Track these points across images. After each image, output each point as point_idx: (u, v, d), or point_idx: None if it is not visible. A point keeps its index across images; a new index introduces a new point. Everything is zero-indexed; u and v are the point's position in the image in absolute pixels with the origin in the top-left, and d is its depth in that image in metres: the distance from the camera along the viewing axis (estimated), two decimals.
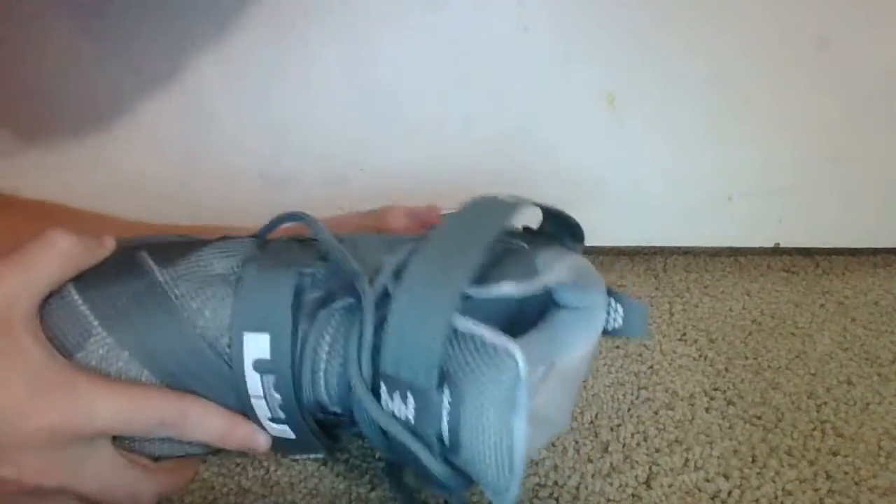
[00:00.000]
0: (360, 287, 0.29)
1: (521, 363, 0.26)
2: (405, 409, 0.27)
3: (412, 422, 0.27)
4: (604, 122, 0.50)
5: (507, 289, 0.28)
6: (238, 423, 0.30)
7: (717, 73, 0.49)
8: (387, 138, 0.51)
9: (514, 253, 0.30)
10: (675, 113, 0.50)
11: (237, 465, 0.36)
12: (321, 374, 0.30)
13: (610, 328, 0.33)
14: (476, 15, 0.47)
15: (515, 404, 0.26)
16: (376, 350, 0.27)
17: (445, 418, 0.26)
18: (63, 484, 0.28)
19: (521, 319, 0.29)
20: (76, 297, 0.29)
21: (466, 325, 0.26)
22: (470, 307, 0.27)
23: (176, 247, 0.32)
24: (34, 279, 0.27)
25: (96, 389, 0.27)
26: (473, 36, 0.48)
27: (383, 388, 0.27)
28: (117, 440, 0.30)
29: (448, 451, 0.27)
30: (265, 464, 0.36)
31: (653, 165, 0.52)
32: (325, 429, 0.32)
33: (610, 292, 0.33)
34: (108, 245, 0.31)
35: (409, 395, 0.27)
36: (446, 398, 0.26)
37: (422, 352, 0.26)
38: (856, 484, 0.35)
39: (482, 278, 0.28)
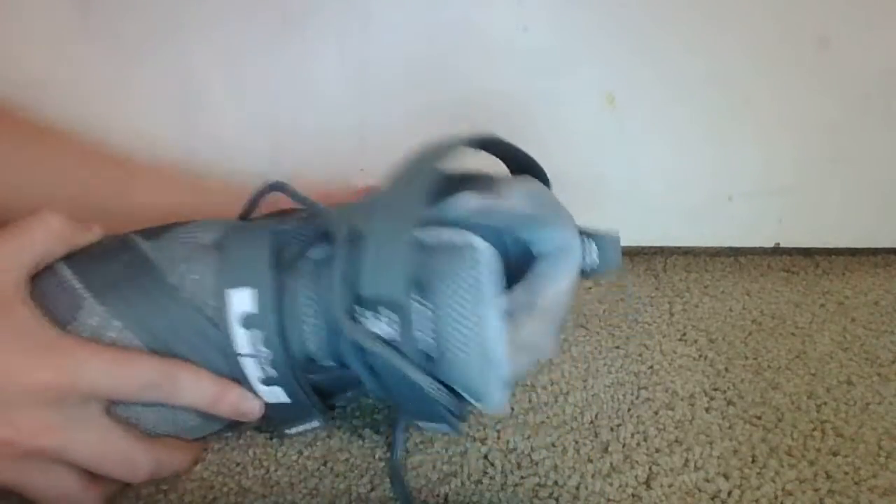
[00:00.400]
0: (334, 227, 0.30)
1: (484, 252, 0.27)
2: (388, 328, 0.27)
3: (397, 339, 0.27)
4: (604, 122, 0.50)
5: (469, 202, 0.30)
6: (229, 388, 0.31)
7: (717, 73, 0.49)
8: (386, 138, 0.51)
9: (476, 178, 0.32)
10: (675, 113, 0.50)
11: (237, 464, 0.36)
12: (306, 322, 0.30)
13: (588, 268, 0.33)
14: (476, 15, 0.47)
15: (483, 294, 0.26)
16: (354, 282, 0.28)
17: (428, 328, 0.27)
18: (58, 445, 0.28)
19: (510, 278, 0.30)
20: (66, 271, 0.30)
21: (430, 233, 0.28)
22: None
23: (163, 226, 0.33)
24: (24, 252, 0.29)
25: (86, 350, 0.28)
26: (473, 36, 0.48)
27: (366, 314, 0.28)
28: (112, 409, 0.30)
29: (434, 365, 0.28)
30: (265, 464, 0.36)
31: (653, 165, 0.52)
32: (320, 395, 0.32)
33: (582, 231, 0.33)
34: (96, 231, 0.32)
35: (389, 312, 0.27)
36: (426, 308, 0.27)
37: (393, 264, 0.27)
38: (856, 484, 0.35)
39: (446, 198, 0.30)
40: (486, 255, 0.27)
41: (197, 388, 0.30)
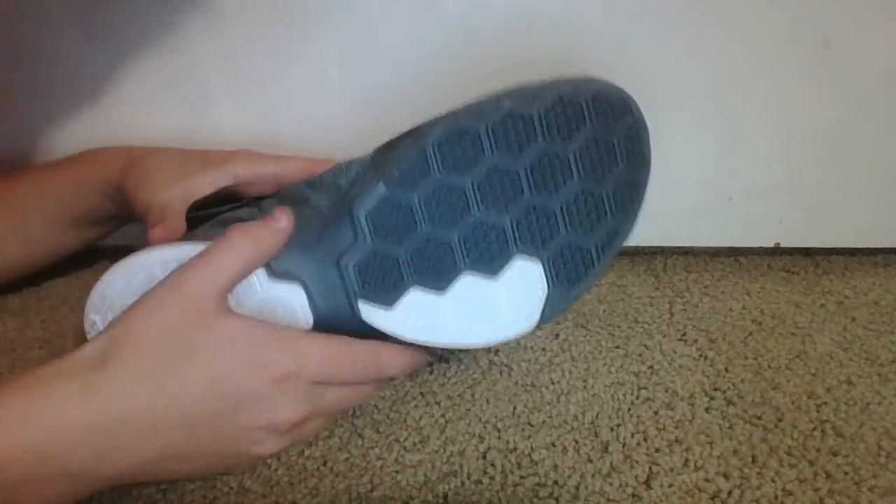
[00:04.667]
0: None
1: None
2: None
3: None
4: None
5: None
6: (417, 353, 0.36)
7: (716, 72, 0.49)
8: (386, 138, 0.51)
9: None
10: (674, 113, 0.50)
11: None
12: None
13: None
14: (476, 15, 0.47)
15: None
16: None
17: None
18: (308, 413, 0.33)
19: None
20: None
21: None
22: None
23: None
24: (214, 275, 0.32)
25: (305, 341, 0.32)
26: (473, 36, 0.48)
27: None
28: None
29: None
30: (265, 463, 0.36)
31: (652, 165, 0.52)
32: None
33: None
34: (283, 223, 0.34)
35: None
36: None
37: None
38: (856, 484, 0.35)
39: None
40: None
41: (396, 362, 0.35)
